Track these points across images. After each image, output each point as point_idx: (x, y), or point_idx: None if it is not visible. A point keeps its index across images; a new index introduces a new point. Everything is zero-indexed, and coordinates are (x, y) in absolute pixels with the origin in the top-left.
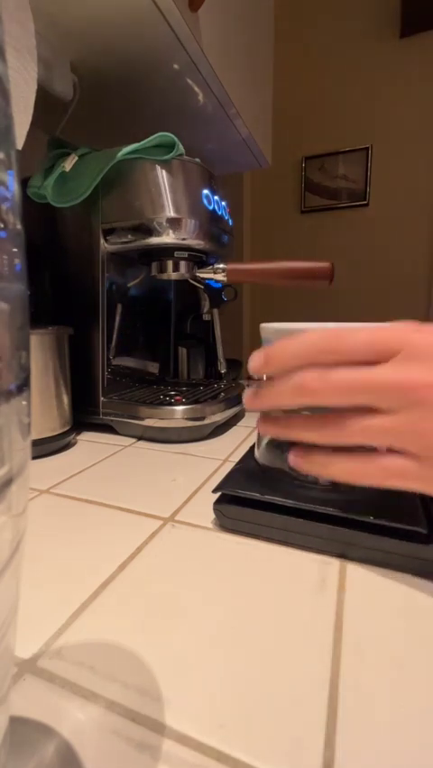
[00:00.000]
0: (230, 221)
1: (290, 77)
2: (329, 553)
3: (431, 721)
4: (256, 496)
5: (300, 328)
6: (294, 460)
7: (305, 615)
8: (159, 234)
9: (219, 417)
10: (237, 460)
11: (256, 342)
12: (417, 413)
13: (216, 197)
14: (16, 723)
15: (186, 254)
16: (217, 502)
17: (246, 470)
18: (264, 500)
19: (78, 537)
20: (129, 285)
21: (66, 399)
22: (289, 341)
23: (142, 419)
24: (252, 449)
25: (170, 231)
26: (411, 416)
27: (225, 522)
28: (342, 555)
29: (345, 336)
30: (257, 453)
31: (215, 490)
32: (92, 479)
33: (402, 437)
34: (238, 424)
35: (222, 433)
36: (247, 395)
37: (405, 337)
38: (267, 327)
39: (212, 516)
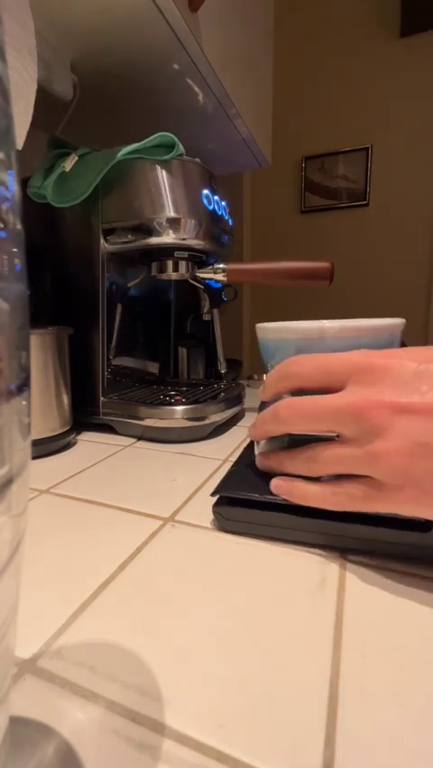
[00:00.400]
0: (230, 221)
1: (290, 76)
2: (331, 548)
3: (431, 721)
4: (255, 496)
5: (293, 327)
6: (276, 488)
7: (305, 614)
8: (159, 234)
9: (219, 417)
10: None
11: (256, 342)
12: (370, 437)
13: (216, 197)
14: (16, 723)
15: (186, 254)
16: (216, 504)
17: (243, 471)
18: (263, 500)
19: (78, 537)
20: (129, 285)
21: (66, 399)
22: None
23: (142, 419)
24: (247, 448)
25: (170, 231)
26: (366, 441)
27: (225, 524)
28: (343, 549)
29: (300, 362)
30: (257, 454)
31: (213, 493)
32: (92, 479)
33: (363, 464)
34: (238, 424)
35: (222, 433)
36: (251, 426)
37: (352, 362)
38: (262, 327)
39: (212, 516)
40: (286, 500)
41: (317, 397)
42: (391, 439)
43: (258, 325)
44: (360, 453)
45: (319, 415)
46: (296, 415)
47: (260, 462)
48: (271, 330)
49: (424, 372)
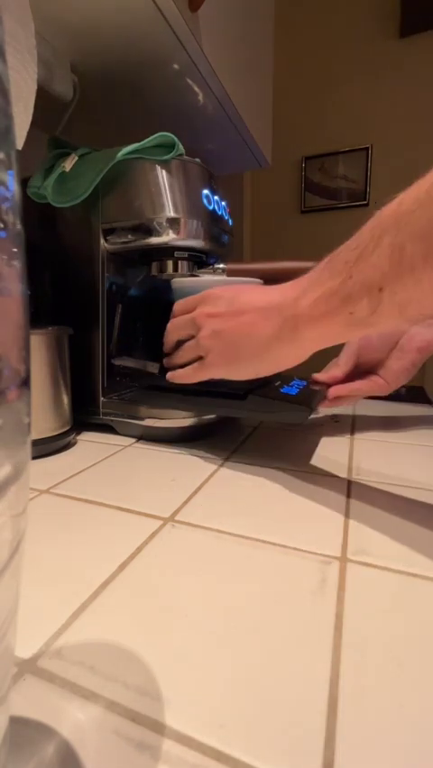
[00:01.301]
0: (230, 221)
1: (290, 77)
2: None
3: (431, 721)
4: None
5: (183, 282)
6: (169, 376)
7: (305, 614)
8: (159, 234)
9: (219, 417)
10: (237, 459)
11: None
12: (198, 332)
13: (216, 197)
14: (16, 723)
15: (186, 254)
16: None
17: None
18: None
19: (78, 537)
20: (130, 287)
21: (66, 399)
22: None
23: (142, 419)
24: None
25: (170, 231)
26: (197, 334)
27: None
28: (200, 415)
29: (178, 303)
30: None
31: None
32: (92, 479)
33: (196, 349)
34: (238, 423)
35: (222, 432)
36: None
37: (196, 298)
38: (176, 281)
39: (212, 516)
40: (172, 384)
41: (184, 316)
42: (204, 330)
43: (173, 281)
44: (194, 343)
45: (181, 325)
46: (173, 327)
47: (166, 361)
48: (177, 283)
49: (225, 297)
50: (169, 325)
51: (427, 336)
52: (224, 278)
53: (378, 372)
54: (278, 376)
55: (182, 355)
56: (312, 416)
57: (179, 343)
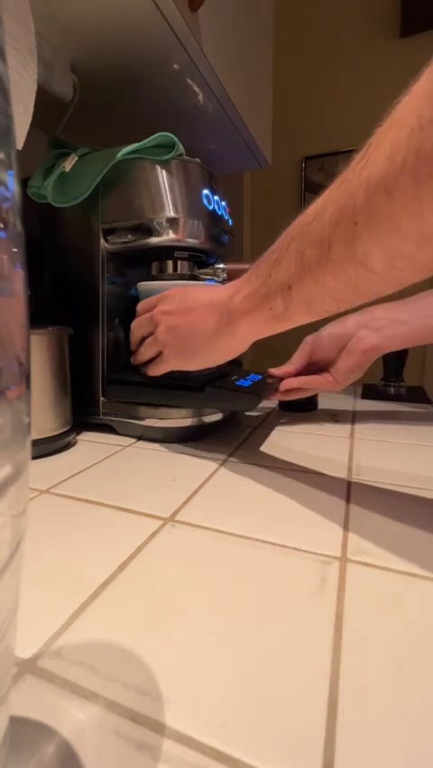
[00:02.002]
0: (230, 221)
1: (290, 76)
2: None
3: (431, 721)
4: (137, 378)
5: (149, 286)
6: (137, 363)
7: (305, 614)
8: (159, 234)
9: (219, 417)
10: (237, 459)
11: (256, 342)
12: (156, 328)
13: (216, 197)
14: (16, 723)
15: (186, 254)
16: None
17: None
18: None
19: (78, 537)
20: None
21: (66, 399)
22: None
23: (142, 419)
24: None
25: (170, 231)
26: (155, 330)
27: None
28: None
29: (141, 303)
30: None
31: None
32: (92, 479)
33: (156, 344)
34: (238, 423)
35: (222, 432)
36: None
37: (156, 297)
38: (141, 284)
39: (212, 516)
40: (137, 378)
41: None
42: (160, 327)
43: (139, 284)
44: (152, 339)
45: (142, 323)
46: (136, 325)
47: (133, 360)
48: (143, 286)
49: (178, 295)
50: (132, 324)
51: (372, 340)
52: (187, 282)
53: (329, 370)
54: (236, 371)
55: (143, 351)
56: (261, 404)
57: (144, 341)
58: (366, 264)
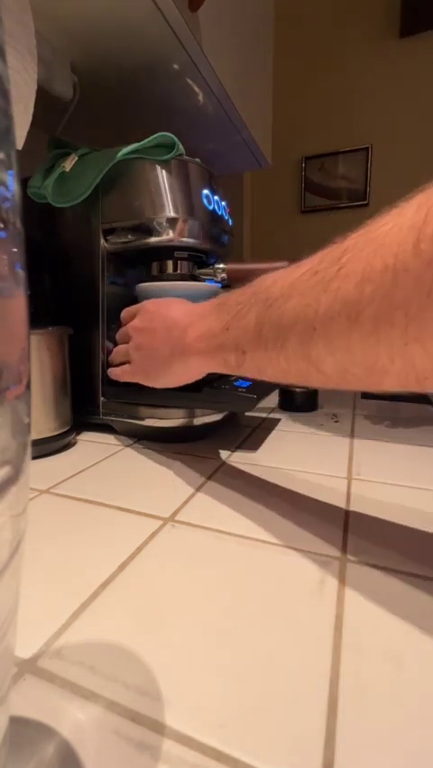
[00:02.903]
0: (230, 221)
1: (290, 77)
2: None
3: (431, 721)
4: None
5: (147, 287)
6: (110, 372)
7: (305, 614)
8: (159, 234)
9: (218, 417)
10: (237, 459)
11: None
12: (130, 340)
13: (216, 197)
14: (16, 723)
15: (186, 254)
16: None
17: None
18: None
19: (78, 537)
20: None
21: (66, 399)
22: None
23: (141, 419)
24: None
25: (170, 231)
26: (129, 342)
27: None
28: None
29: (125, 310)
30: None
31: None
32: (92, 479)
33: (126, 355)
34: (238, 423)
35: (222, 432)
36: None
37: (136, 308)
38: (140, 286)
39: (212, 516)
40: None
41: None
42: (131, 342)
43: (137, 286)
44: (124, 349)
45: (122, 333)
46: (119, 335)
47: (112, 358)
48: (141, 288)
49: (150, 311)
50: (117, 334)
51: None
52: (183, 283)
53: None
54: None
55: (113, 357)
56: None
57: None
58: (318, 366)
